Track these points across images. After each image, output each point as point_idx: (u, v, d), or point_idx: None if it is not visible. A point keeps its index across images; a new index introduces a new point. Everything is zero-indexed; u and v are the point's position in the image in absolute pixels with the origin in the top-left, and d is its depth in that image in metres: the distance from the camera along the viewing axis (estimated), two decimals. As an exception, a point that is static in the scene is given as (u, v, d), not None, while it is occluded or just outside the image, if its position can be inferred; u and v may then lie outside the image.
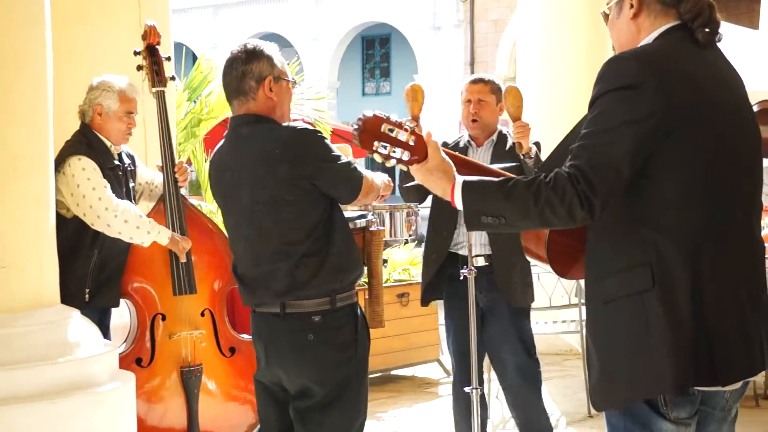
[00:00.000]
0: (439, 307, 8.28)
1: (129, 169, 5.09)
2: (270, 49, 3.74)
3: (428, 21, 24.77)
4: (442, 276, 5.06)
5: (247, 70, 3.67)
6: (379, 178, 3.88)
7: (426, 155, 2.72)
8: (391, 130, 2.72)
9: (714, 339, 2.54)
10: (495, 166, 4.14)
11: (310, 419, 3.71)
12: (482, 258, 4.98)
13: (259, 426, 4.01)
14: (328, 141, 3.68)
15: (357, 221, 4.04)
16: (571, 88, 8.36)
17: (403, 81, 28.50)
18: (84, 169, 4.80)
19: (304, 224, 3.63)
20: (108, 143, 4.95)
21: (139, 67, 5.08)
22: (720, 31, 2.71)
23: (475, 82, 5.14)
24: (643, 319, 2.55)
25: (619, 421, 2.67)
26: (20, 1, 4.09)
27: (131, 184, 5.09)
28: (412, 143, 2.72)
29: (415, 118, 4.74)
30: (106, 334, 4.94)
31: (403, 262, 8.52)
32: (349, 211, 4.16)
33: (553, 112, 8.30)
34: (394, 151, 2.72)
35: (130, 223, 4.79)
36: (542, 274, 7.13)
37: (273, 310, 3.70)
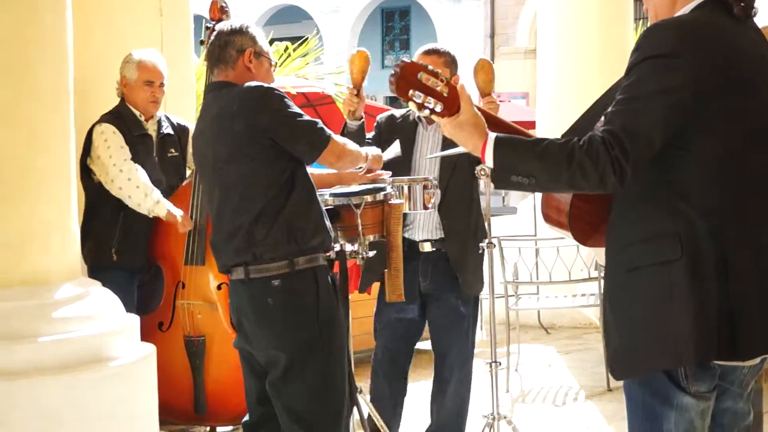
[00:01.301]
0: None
1: (171, 138, 5.24)
2: (255, 29, 3.90)
3: (448, -7, 24.67)
4: None
5: (229, 40, 3.84)
6: (363, 149, 3.90)
7: (458, 109, 2.66)
8: (427, 80, 2.67)
9: (737, 314, 2.54)
10: (453, 151, 4.10)
11: (280, 390, 3.76)
12: (429, 243, 4.66)
13: None
14: (287, 99, 3.73)
15: (376, 194, 4.05)
16: (590, 60, 8.32)
17: (423, 54, 28.26)
18: (102, 132, 5.02)
19: (261, 180, 3.69)
20: (137, 113, 5.16)
21: (202, 42, 5.27)
22: (756, 6, 2.68)
23: (428, 53, 4.69)
24: (668, 289, 2.54)
25: (638, 393, 2.68)
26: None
27: (172, 153, 5.23)
28: (446, 95, 2.67)
29: (356, 86, 4.53)
30: (131, 298, 5.02)
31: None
32: (366, 184, 4.16)
33: (572, 85, 8.27)
34: (428, 101, 2.66)
35: (132, 181, 4.93)
36: (561, 247, 7.13)
37: (240, 277, 3.76)
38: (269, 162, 3.69)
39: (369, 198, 4.03)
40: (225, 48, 3.84)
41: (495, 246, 4.71)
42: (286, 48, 9.29)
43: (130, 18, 5.59)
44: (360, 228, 3.98)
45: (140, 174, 4.95)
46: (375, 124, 4.81)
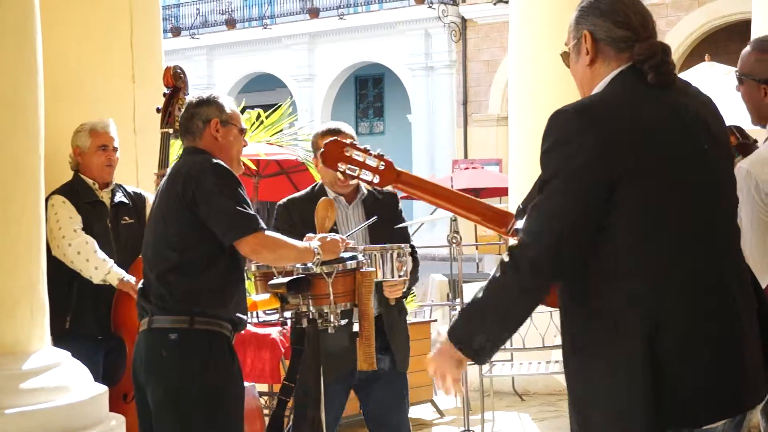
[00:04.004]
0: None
1: (125, 206, 5.23)
2: (224, 98, 4.06)
3: (421, 61, 24.88)
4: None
5: (195, 112, 4.00)
6: (307, 243, 3.88)
7: (396, 179, 3.05)
8: (358, 155, 3.05)
9: (678, 382, 2.52)
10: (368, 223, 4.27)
11: None
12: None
13: None
14: (232, 181, 3.80)
15: (347, 262, 4.02)
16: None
17: (397, 120, 28.55)
18: (53, 205, 5.06)
19: (182, 245, 3.82)
20: (90, 181, 5.20)
21: (158, 110, 5.19)
22: (675, 72, 2.66)
23: (341, 133, 4.71)
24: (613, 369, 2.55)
25: None
26: (12, 45, 4.10)
27: (126, 220, 5.22)
28: (381, 167, 3.04)
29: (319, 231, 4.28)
30: (96, 369, 4.94)
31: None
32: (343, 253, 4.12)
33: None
34: (364, 173, 3.05)
35: (81, 255, 4.97)
36: (535, 314, 7.11)
37: (144, 328, 3.88)
38: (194, 232, 3.80)
39: (340, 266, 4.01)
40: (191, 120, 4.01)
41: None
42: (258, 115, 9.33)
43: (102, 84, 5.59)
44: (331, 296, 3.95)
45: (89, 247, 4.98)
46: (278, 211, 4.64)
